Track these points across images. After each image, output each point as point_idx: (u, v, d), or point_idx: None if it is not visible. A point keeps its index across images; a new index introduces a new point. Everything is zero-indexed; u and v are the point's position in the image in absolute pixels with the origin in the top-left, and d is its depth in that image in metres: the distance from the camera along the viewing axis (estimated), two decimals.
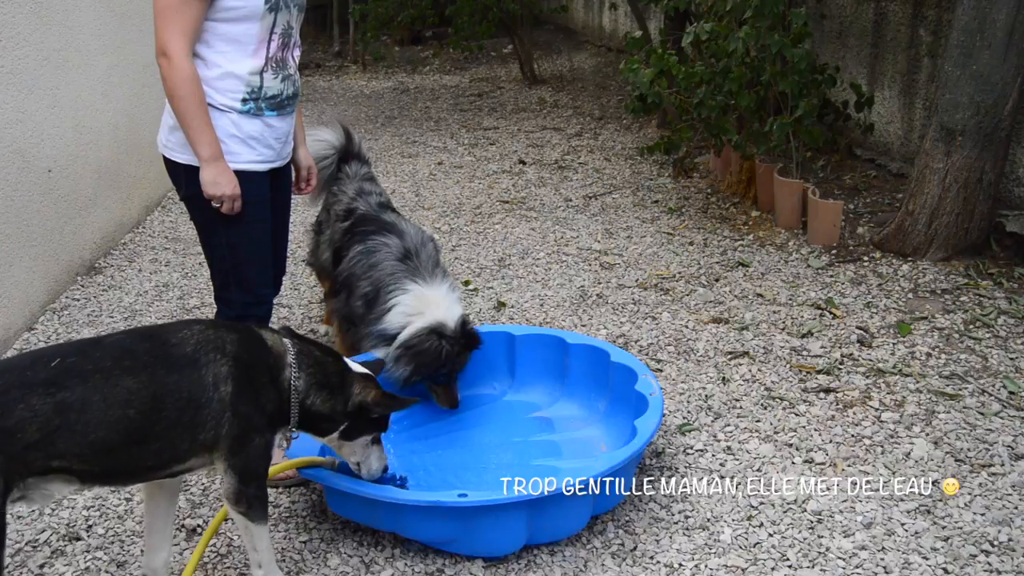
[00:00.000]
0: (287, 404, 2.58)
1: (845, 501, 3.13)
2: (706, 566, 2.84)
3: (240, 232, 3.08)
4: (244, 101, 2.99)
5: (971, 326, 4.31)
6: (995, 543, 2.89)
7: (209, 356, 2.41)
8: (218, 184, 2.95)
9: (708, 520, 3.06)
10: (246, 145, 3.03)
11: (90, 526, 3.12)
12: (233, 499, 2.51)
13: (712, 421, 3.65)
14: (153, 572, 2.72)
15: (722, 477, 3.29)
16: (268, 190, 3.16)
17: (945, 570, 2.79)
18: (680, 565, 2.85)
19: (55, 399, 2.18)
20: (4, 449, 2.10)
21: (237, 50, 2.95)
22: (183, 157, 3.02)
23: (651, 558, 2.89)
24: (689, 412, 3.71)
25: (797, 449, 3.44)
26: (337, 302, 3.91)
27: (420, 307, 3.56)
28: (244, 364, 2.46)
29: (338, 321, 3.98)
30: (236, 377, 2.43)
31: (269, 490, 2.99)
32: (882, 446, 3.43)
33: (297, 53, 3.13)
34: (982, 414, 3.60)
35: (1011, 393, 3.73)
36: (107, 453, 2.27)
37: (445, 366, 3.51)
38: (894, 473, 3.27)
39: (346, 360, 2.79)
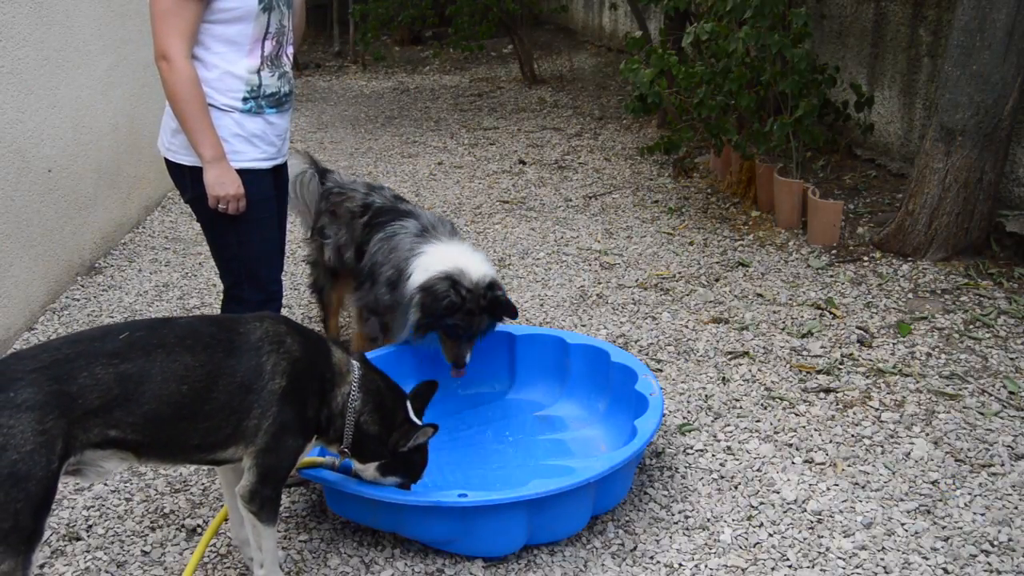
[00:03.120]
0: (334, 420, 2.66)
1: (845, 501, 3.13)
2: (706, 566, 2.84)
3: (249, 230, 3.10)
4: (245, 100, 3.01)
5: (971, 326, 4.31)
6: (995, 543, 2.89)
7: (272, 347, 2.49)
8: (223, 184, 2.97)
9: (708, 520, 3.06)
10: (250, 143, 3.05)
11: (90, 526, 3.12)
12: (248, 497, 2.55)
13: (712, 421, 3.65)
14: (241, 543, 2.83)
15: (722, 477, 3.29)
16: (272, 187, 3.18)
17: (945, 570, 2.79)
18: (680, 565, 2.85)
19: (117, 370, 2.29)
20: (66, 413, 2.20)
21: (233, 50, 2.97)
22: (187, 159, 3.03)
23: (651, 558, 2.89)
24: (689, 412, 3.71)
25: (797, 449, 3.44)
26: (361, 292, 3.85)
27: (441, 261, 3.45)
28: (302, 366, 2.54)
29: (358, 311, 3.96)
30: (291, 375, 2.51)
31: None
32: (882, 446, 3.43)
33: (291, 50, 3.16)
34: (982, 414, 3.60)
35: (1011, 393, 3.73)
36: (158, 425, 2.35)
37: (452, 317, 3.36)
38: (894, 473, 3.27)
39: (407, 404, 2.84)
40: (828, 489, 3.19)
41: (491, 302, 3.42)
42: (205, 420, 2.41)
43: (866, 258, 5.10)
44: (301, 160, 4.26)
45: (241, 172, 3.02)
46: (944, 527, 2.98)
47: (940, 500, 3.11)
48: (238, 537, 2.83)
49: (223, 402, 2.42)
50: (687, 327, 4.45)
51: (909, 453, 3.38)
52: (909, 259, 5.00)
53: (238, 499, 2.58)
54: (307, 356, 2.57)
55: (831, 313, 4.52)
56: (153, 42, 2.89)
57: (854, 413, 3.65)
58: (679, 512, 3.11)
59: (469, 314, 3.39)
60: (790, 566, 2.83)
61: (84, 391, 2.23)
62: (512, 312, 3.50)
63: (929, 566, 2.81)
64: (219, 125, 2.97)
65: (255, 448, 2.49)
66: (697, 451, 3.45)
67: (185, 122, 2.92)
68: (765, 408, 3.73)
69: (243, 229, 3.09)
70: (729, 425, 3.61)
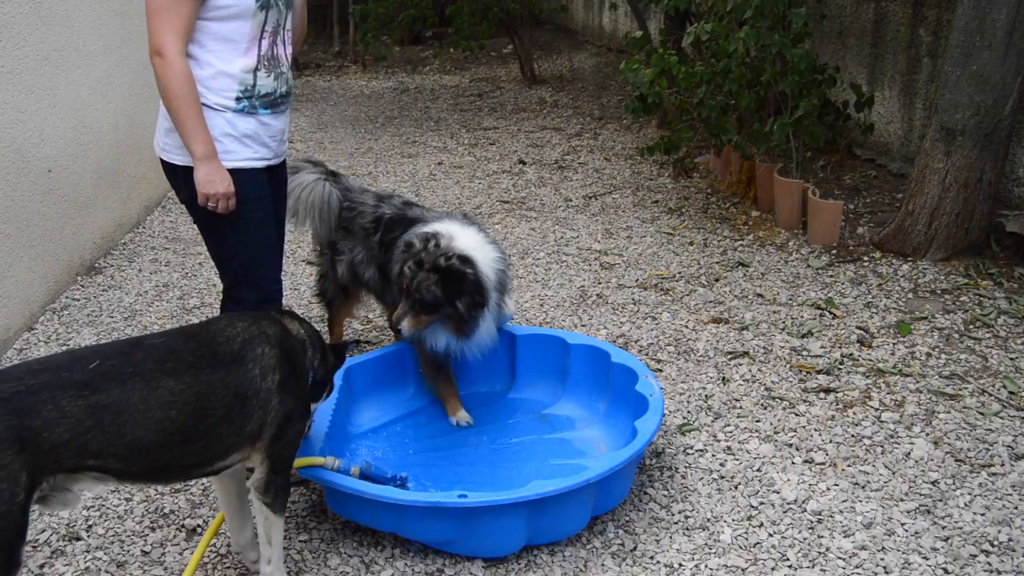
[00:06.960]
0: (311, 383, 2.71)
1: (845, 501, 3.13)
2: (706, 566, 2.84)
3: (246, 230, 3.09)
4: (238, 100, 3.00)
5: (971, 326, 4.31)
6: (995, 543, 2.89)
7: (257, 350, 2.49)
8: (212, 182, 2.95)
9: (708, 520, 3.06)
10: (242, 143, 3.04)
11: (90, 526, 3.12)
12: (262, 488, 2.57)
13: (712, 421, 3.65)
14: (242, 548, 2.84)
15: (722, 477, 3.29)
16: (268, 187, 3.17)
17: (945, 570, 2.79)
18: (680, 565, 2.85)
19: (88, 402, 2.19)
20: (29, 447, 2.12)
21: (229, 49, 2.96)
22: (181, 159, 3.02)
23: (651, 558, 2.89)
24: (689, 412, 3.71)
25: (797, 449, 3.44)
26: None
27: (437, 227, 3.42)
28: (287, 354, 2.57)
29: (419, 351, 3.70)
30: (282, 366, 2.52)
31: None
32: (882, 446, 3.43)
33: (289, 50, 3.14)
34: (982, 414, 3.60)
35: (1011, 393, 3.73)
36: (146, 453, 2.30)
37: (405, 263, 3.33)
38: (894, 473, 3.27)
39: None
40: (828, 489, 3.19)
41: (447, 268, 3.27)
42: (202, 439, 2.37)
43: (866, 258, 5.10)
44: (319, 175, 4.05)
45: (234, 171, 3.00)
46: (944, 527, 2.98)
47: (940, 500, 3.11)
48: (238, 543, 2.83)
49: (221, 416, 2.38)
50: (687, 327, 4.45)
51: (909, 453, 3.38)
52: (909, 259, 5.00)
53: (252, 491, 2.59)
54: (287, 342, 2.61)
55: (831, 313, 4.52)
56: (148, 38, 2.89)
57: (854, 413, 3.65)
58: (679, 512, 3.11)
59: (418, 265, 3.29)
60: (790, 566, 2.83)
61: (49, 425, 2.13)
62: (467, 289, 3.28)
63: (929, 566, 2.81)
64: (211, 124, 2.96)
65: (263, 443, 2.50)
66: (697, 451, 3.45)
67: (178, 119, 2.91)
68: (765, 408, 3.73)
69: (239, 228, 3.08)
70: (729, 425, 3.61)
